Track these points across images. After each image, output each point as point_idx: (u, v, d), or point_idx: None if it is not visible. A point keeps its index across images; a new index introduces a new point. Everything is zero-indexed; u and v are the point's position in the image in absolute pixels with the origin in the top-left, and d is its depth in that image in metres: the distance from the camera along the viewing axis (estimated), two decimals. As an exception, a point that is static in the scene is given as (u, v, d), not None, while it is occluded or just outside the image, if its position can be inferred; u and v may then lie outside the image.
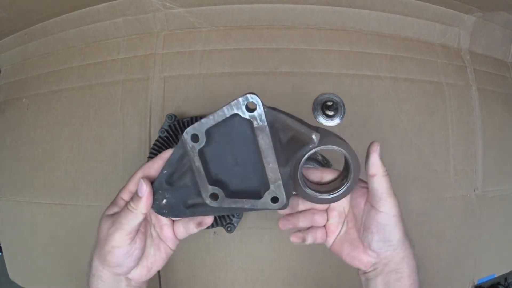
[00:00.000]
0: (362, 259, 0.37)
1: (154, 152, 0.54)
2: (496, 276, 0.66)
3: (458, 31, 0.65)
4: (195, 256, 0.57)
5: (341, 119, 0.57)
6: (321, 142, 0.34)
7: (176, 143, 0.53)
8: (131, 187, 0.39)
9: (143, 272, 0.40)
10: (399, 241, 0.36)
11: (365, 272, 0.38)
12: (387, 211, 0.35)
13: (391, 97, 0.59)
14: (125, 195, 0.39)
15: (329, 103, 0.57)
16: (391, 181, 0.35)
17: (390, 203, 0.35)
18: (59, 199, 0.60)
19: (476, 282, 0.64)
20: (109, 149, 0.58)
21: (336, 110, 0.57)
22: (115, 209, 0.39)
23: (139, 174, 0.39)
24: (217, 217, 0.53)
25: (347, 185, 0.36)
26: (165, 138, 0.54)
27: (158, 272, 0.56)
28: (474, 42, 0.66)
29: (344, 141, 0.36)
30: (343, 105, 0.58)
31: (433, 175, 0.60)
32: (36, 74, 0.67)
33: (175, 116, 0.54)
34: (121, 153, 0.57)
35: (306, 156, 0.34)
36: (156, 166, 0.39)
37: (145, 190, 0.36)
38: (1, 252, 0.71)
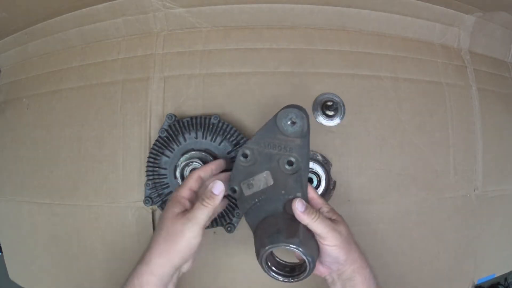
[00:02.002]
0: (318, 268, 0.46)
1: (154, 152, 0.54)
2: (496, 276, 0.66)
3: (458, 31, 0.65)
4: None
5: (341, 119, 0.57)
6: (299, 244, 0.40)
7: (176, 143, 0.53)
8: (192, 184, 0.44)
9: (191, 263, 0.44)
10: (345, 260, 0.43)
11: (325, 279, 0.46)
12: (330, 244, 0.42)
13: (391, 97, 0.59)
14: (185, 193, 0.44)
15: (329, 103, 0.57)
16: (326, 220, 0.43)
17: (330, 238, 0.42)
18: (59, 199, 0.60)
19: (476, 282, 0.64)
20: (109, 149, 0.58)
21: (336, 110, 0.57)
22: (180, 207, 0.43)
23: (198, 173, 0.45)
24: (217, 217, 0.53)
25: (302, 276, 0.43)
26: (165, 138, 0.54)
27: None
28: (474, 42, 0.66)
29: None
30: (343, 105, 0.58)
31: (433, 175, 0.60)
32: (36, 74, 0.67)
33: (175, 116, 0.54)
34: (121, 153, 0.57)
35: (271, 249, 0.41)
36: (208, 169, 0.46)
37: (221, 189, 0.42)
38: (1, 252, 0.71)
